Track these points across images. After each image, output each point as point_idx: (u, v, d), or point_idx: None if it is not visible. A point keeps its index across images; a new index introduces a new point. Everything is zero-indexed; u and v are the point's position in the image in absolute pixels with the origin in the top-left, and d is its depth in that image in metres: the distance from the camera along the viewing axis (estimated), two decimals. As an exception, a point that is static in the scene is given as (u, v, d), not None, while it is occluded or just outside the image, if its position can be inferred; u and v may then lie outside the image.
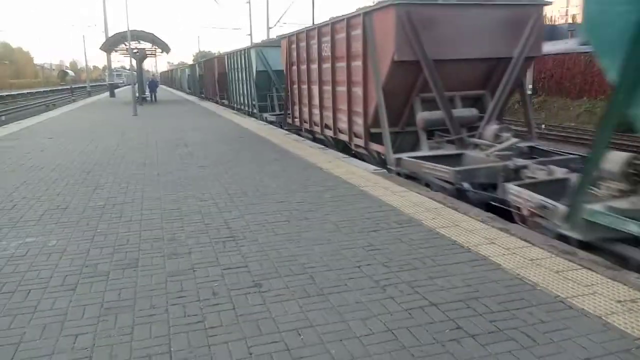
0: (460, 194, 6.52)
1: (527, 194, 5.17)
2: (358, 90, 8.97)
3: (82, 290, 3.45)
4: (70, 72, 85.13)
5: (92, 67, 72.87)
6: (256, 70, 17.43)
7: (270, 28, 33.10)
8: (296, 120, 13.28)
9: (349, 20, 9.02)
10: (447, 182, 6.71)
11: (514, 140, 6.81)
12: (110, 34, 29.80)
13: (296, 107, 13.08)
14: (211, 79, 28.59)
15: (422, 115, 7.85)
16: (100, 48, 28.61)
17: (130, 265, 3.89)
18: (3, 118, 27.06)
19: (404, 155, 7.45)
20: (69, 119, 18.73)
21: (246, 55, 18.64)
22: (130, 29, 22.33)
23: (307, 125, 12.40)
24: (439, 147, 7.90)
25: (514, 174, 6.19)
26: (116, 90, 37.98)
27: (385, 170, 7.55)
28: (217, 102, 26.72)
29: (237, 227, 4.84)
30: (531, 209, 5.07)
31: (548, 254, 3.96)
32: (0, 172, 7.79)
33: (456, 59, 7.67)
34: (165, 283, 3.56)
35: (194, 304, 3.24)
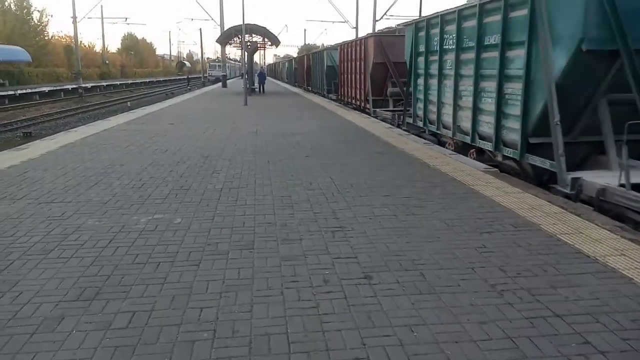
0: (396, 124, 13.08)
1: (397, 115, 13.11)
2: (362, 77, 17.87)
3: (205, 267, 3.70)
4: (187, 64, 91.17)
5: (206, 59, 77.35)
6: (326, 66, 25.99)
7: (377, 21, 32.86)
8: (342, 97, 22.06)
9: (359, 40, 18.51)
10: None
11: None
12: (223, 27, 31.42)
13: (342, 89, 22.03)
14: (301, 71, 38.15)
15: (389, 90, 16.01)
16: (216, 41, 30.29)
17: (247, 247, 4.09)
18: (129, 104, 29.75)
19: (378, 110, 15.52)
20: (186, 106, 20.11)
21: (320, 55, 28.37)
22: (243, 23, 23.30)
23: (347, 100, 20.91)
24: (401, 106, 13.98)
25: None
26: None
27: (497, 170, 7.23)
28: (305, 89, 34.75)
29: (345, 217, 4.89)
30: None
31: (692, 272, 3.54)
32: (130, 153, 8.57)
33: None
34: (280, 267, 3.70)
35: (307, 289, 3.34)
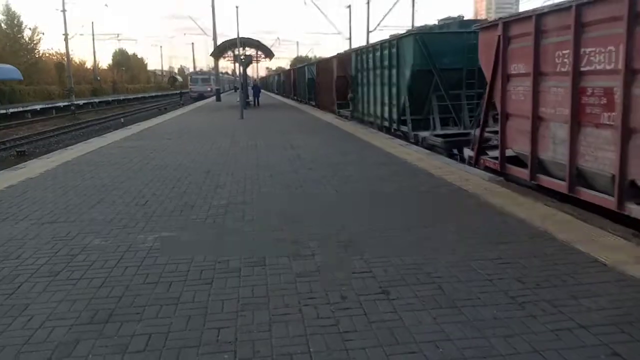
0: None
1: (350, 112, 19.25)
2: (331, 87, 22.80)
3: (218, 285, 3.62)
4: (179, 78, 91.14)
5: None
6: (307, 78, 31.22)
7: (370, 32, 33.18)
8: (319, 103, 27.12)
9: (328, 59, 25.31)
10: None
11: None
12: (212, 39, 31.50)
13: (318, 96, 27.42)
14: (289, 83, 43.61)
15: (349, 96, 18.78)
16: (210, 55, 30.40)
17: (259, 264, 4.02)
18: (122, 120, 29.62)
19: (341, 110, 20.98)
20: (182, 121, 20.05)
21: (303, 69, 34.00)
22: (235, 36, 23.41)
23: (322, 105, 25.51)
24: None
25: None
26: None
27: (502, 179, 7.22)
28: (292, 99, 38.64)
29: (356, 231, 4.83)
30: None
31: None
32: (130, 170, 8.49)
33: None
34: (295, 283, 3.63)
35: (325, 306, 3.27)
